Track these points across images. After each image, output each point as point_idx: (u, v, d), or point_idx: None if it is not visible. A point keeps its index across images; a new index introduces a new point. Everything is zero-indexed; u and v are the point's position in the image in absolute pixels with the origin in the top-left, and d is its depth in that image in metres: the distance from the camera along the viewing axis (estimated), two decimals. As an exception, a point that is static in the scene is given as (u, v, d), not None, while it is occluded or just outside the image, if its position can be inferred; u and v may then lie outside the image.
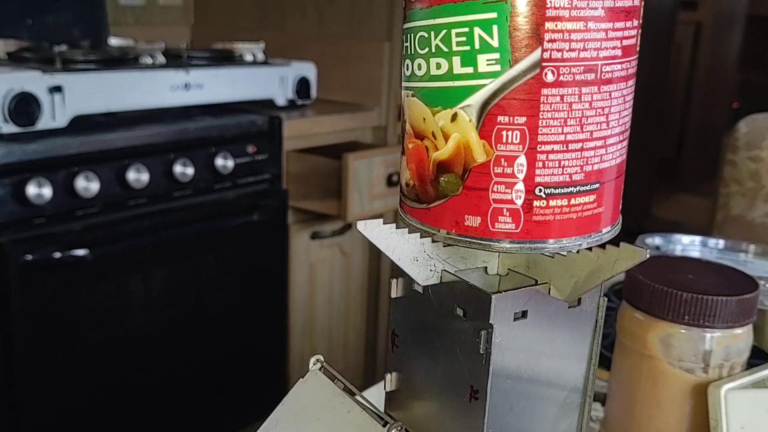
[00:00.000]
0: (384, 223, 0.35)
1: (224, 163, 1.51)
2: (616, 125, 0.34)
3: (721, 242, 0.83)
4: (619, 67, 0.33)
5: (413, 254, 0.37)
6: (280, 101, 1.74)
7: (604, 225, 0.35)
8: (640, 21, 0.34)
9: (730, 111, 4.47)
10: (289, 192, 1.68)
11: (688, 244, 0.83)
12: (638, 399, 0.57)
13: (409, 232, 0.36)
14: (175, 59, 1.57)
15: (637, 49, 0.34)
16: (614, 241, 0.35)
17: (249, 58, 1.73)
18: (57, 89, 1.31)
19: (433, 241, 0.37)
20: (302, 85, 1.77)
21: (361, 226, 0.34)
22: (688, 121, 4.49)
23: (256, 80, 1.68)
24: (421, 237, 0.36)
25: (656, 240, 0.83)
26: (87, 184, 1.30)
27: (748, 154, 1.34)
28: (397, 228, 0.36)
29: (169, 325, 1.51)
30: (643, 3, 0.33)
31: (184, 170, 1.44)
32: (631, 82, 0.34)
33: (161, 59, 1.53)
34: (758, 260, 0.80)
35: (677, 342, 0.54)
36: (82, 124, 1.36)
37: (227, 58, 1.70)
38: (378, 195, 1.73)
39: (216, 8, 2.25)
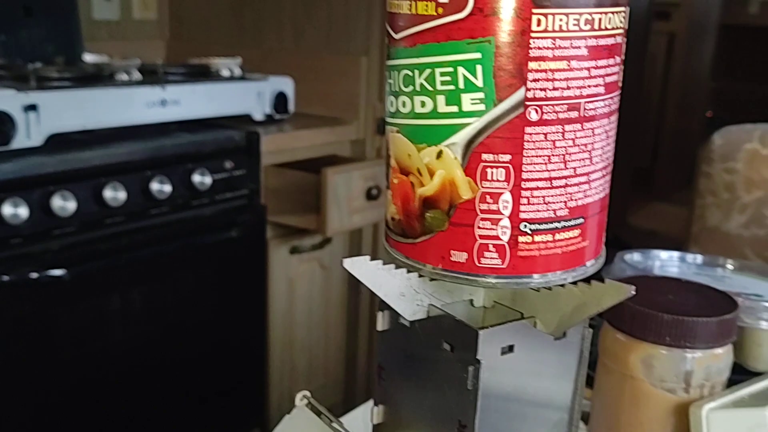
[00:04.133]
0: (371, 260, 0.35)
1: (202, 179, 1.50)
2: (600, 161, 0.34)
3: (699, 258, 0.84)
4: (602, 103, 0.33)
5: (400, 289, 0.37)
6: (258, 116, 1.73)
7: (588, 258, 0.35)
8: (623, 57, 0.34)
9: (703, 119, 4.53)
10: (267, 207, 1.68)
11: (667, 260, 0.84)
12: (621, 419, 0.57)
13: (396, 268, 0.36)
14: (151, 75, 1.56)
15: (620, 84, 0.34)
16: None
17: (226, 73, 1.73)
18: (32, 108, 1.29)
19: (420, 276, 0.37)
20: (280, 99, 1.76)
21: (348, 263, 0.34)
22: (663, 129, 4.53)
23: (233, 95, 1.68)
24: (408, 272, 0.36)
25: (635, 256, 0.83)
26: (63, 203, 1.28)
27: (723, 166, 1.36)
28: (383, 263, 0.36)
29: (148, 342, 1.49)
30: (625, 40, 0.34)
31: (161, 187, 1.43)
32: (614, 118, 0.34)
33: (137, 75, 1.52)
34: (736, 276, 0.81)
35: (659, 363, 0.54)
36: (57, 142, 1.34)
37: (204, 74, 1.69)
38: (357, 209, 1.73)
39: (191, 22, 2.24)
